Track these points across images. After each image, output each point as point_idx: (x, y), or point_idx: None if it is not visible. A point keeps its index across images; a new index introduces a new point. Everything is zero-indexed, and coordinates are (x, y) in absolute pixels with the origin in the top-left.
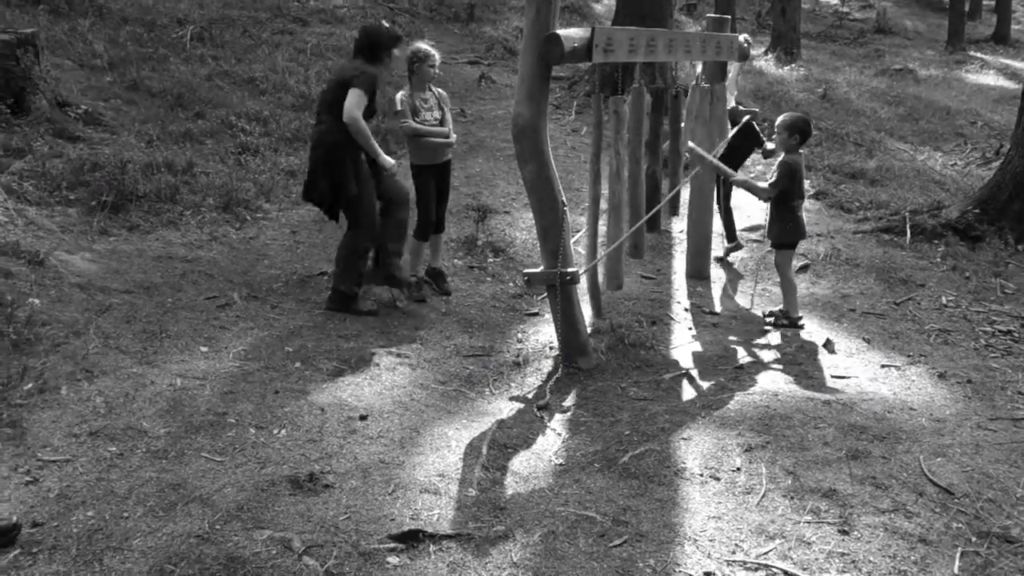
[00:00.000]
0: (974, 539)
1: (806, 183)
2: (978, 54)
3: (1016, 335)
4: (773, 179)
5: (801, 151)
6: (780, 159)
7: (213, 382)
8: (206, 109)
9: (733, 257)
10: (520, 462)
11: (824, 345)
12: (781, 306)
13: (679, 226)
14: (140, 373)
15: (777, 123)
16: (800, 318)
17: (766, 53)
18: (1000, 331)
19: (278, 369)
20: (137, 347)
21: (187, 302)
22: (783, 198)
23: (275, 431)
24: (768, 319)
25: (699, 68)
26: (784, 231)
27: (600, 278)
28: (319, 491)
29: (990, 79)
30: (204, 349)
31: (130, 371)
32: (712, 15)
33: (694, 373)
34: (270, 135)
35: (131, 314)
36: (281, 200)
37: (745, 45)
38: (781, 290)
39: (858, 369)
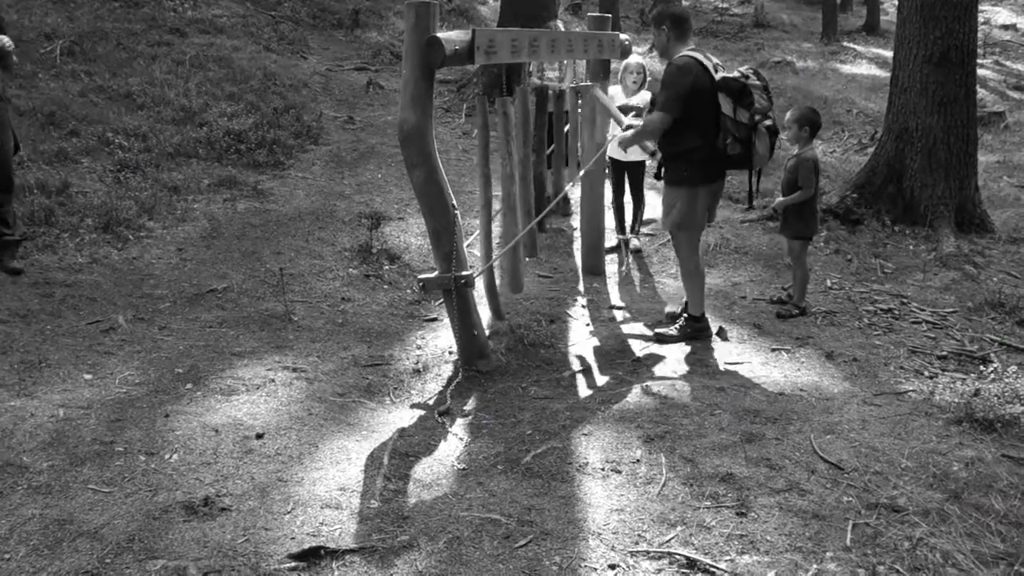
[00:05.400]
0: (864, 511)
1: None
2: (851, 45)
3: (896, 313)
4: (804, 182)
5: (814, 143)
6: (798, 156)
7: (99, 410)
8: (80, 126)
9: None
10: (422, 470)
11: (717, 333)
12: (785, 294)
13: (574, 223)
14: (19, 406)
15: (786, 118)
16: (806, 307)
17: (651, 50)
18: (882, 310)
19: (168, 392)
20: (14, 379)
21: (68, 328)
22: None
23: (167, 456)
24: (780, 309)
25: (567, 72)
26: (808, 226)
27: (499, 280)
28: (215, 515)
29: (863, 68)
30: (88, 377)
31: (7, 405)
32: (593, 14)
33: (593, 368)
34: (150, 151)
35: (7, 344)
36: (165, 217)
37: (626, 43)
38: (795, 279)
39: (751, 354)
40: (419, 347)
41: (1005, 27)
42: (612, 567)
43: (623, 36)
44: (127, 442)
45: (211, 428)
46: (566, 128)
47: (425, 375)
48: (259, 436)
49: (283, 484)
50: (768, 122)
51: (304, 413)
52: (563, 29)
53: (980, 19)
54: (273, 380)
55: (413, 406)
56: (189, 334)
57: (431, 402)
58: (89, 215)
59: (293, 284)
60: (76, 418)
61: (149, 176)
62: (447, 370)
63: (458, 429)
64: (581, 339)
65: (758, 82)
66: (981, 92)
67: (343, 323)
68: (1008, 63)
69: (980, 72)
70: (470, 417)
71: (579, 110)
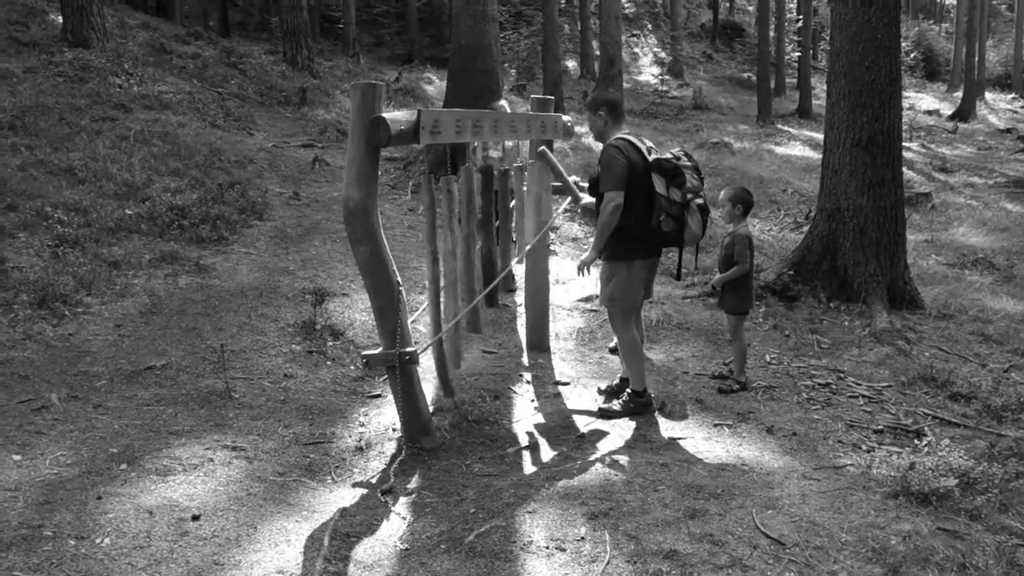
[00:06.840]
0: None
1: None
2: (785, 127)
3: (834, 387)
4: (739, 257)
5: (748, 221)
6: (733, 233)
7: (27, 492)
8: (19, 201)
9: (566, 324)
10: (363, 550)
11: (660, 408)
12: (726, 369)
13: (519, 299)
14: None
15: (721, 197)
16: (747, 381)
17: None
18: (819, 384)
19: (101, 473)
20: None
21: None
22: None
23: (98, 540)
24: (721, 384)
25: (511, 152)
26: (743, 301)
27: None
28: None
29: (796, 150)
30: (17, 458)
31: None
32: (537, 96)
33: (538, 445)
34: (91, 225)
35: None
36: (104, 293)
37: (569, 124)
38: (734, 354)
39: (693, 429)
40: (362, 424)
41: (929, 112)
42: None
43: (565, 117)
44: (56, 526)
45: (145, 510)
46: (511, 204)
47: (368, 453)
48: (195, 518)
49: (219, 568)
50: (699, 201)
51: (243, 493)
52: (508, 109)
53: (905, 105)
54: (211, 459)
55: (355, 485)
56: (125, 413)
57: (374, 481)
58: (24, 290)
59: (234, 361)
60: (2, 501)
61: (88, 251)
62: (390, 448)
63: (401, 508)
64: (526, 415)
65: (689, 163)
66: (908, 174)
67: (285, 400)
68: (933, 146)
69: (907, 155)
70: (413, 495)
71: (524, 188)
